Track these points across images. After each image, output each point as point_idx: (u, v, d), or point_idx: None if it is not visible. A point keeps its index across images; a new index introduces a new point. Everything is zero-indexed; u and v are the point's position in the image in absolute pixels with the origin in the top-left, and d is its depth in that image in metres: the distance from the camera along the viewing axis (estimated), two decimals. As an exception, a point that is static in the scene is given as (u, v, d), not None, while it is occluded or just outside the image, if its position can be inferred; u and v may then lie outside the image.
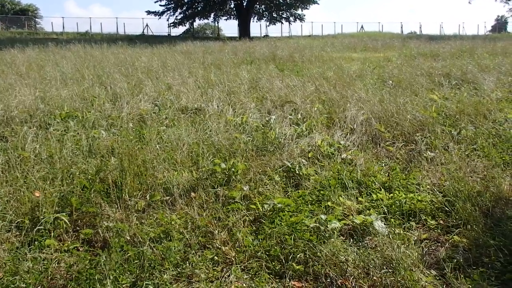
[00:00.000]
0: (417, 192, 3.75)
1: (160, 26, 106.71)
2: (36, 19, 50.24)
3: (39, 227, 3.11)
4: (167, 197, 3.64)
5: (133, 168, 4.01)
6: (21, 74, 9.96)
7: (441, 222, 3.34)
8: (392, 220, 3.30)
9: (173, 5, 39.69)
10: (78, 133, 5.28)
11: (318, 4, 43.57)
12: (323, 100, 6.90)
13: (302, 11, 42.34)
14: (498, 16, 64.36)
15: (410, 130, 5.39)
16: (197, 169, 4.22)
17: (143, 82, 8.61)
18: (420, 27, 51.36)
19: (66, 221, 3.20)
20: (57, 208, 3.38)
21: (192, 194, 3.75)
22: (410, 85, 8.33)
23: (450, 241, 3.05)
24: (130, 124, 5.66)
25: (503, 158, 4.54)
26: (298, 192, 3.80)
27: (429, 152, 4.67)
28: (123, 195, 3.62)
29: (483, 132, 5.32)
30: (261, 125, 5.57)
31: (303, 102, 6.61)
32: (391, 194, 3.71)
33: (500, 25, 59.91)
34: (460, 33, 45.33)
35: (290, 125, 5.58)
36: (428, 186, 3.88)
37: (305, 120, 5.83)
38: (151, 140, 4.89)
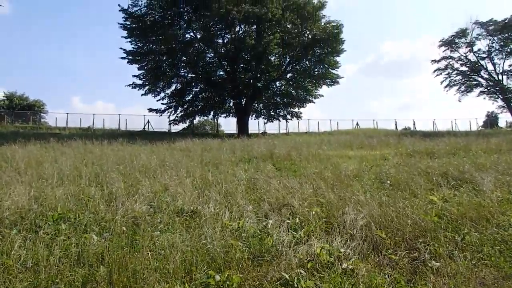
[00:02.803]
0: (425, 310, 3.49)
1: (160, 122, 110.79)
2: (42, 114, 52.17)
3: None
4: (156, 316, 3.38)
5: (122, 279, 3.79)
6: (19, 171, 9.97)
7: None
8: None
9: (174, 104, 41.29)
10: (68, 237, 5.09)
11: (314, 103, 45.39)
12: (321, 203, 6.79)
13: (299, 109, 43.97)
14: (489, 112, 66.95)
15: (412, 236, 5.21)
16: (190, 281, 3.98)
17: (140, 182, 8.57)
18: (414, 124, 53.34)
19: None
20: (34, 329, 3.11)
21: (183, 311, 3.48)
22: (408, 186, 8.29)
23: None
24: (123, 228, 5.48)
25: (513, 268, 4.32)
26: (297, 309, 3.54)
27: (433, 261, 4.46)
28: (109, 312, 3.36)
29: (488, 238, 5.15)
30: (258, 231, 5.39)
31: (301, 205, 6.49)
32: (398, 313, 3.45)
33: (491, 120, 62.18)
34: (453, 129, 46.89)
35: (288, 231, 5.40)
36: (436, 302, 3.63)
37: (303, 225, 5.66)
38: (143, 247, 4.69)
